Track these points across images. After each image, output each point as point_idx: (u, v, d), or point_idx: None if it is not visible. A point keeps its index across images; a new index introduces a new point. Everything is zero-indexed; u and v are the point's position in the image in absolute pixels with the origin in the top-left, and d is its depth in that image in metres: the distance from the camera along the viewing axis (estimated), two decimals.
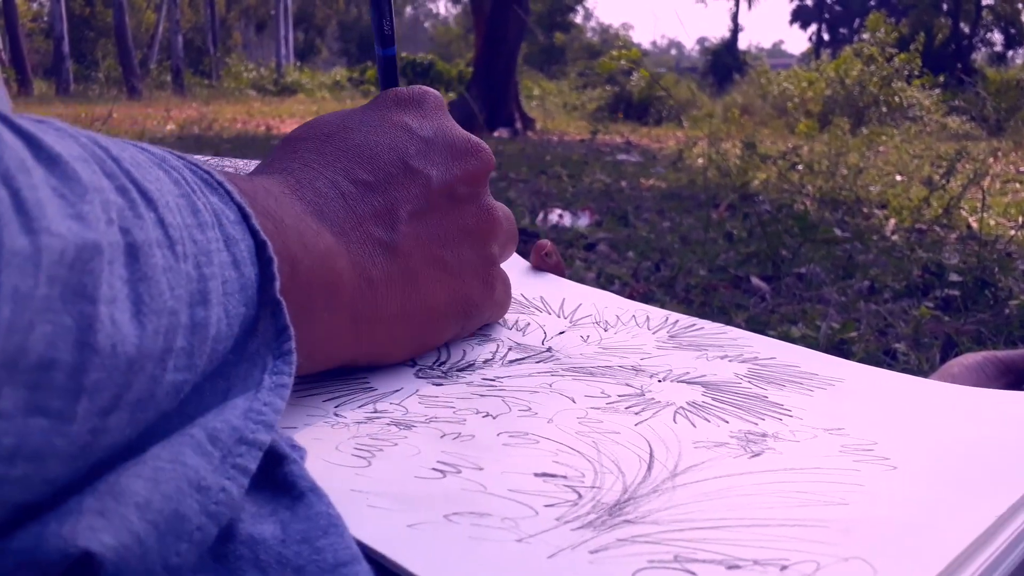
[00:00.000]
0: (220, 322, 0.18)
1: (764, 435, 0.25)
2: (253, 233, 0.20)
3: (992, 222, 2.77)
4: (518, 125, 6.70)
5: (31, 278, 0.13)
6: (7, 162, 0.13)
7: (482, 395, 0.28)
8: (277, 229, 0.22)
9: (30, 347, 0.13)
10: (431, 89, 0.31)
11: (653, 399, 0.28)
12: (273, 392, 0.19)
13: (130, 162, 0.17)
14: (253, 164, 0.37)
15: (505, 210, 0.32)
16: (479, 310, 0.31)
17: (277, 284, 0.20)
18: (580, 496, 0.21)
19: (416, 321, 0.28)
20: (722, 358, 0.32)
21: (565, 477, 0.22)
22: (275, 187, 0.25)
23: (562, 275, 0.40)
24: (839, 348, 1.44)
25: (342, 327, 0.25)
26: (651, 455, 0.24)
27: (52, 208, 0.14)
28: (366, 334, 0.27)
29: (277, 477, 0.19)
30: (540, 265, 0.40)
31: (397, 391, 0.28)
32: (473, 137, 0.30)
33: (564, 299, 0.38)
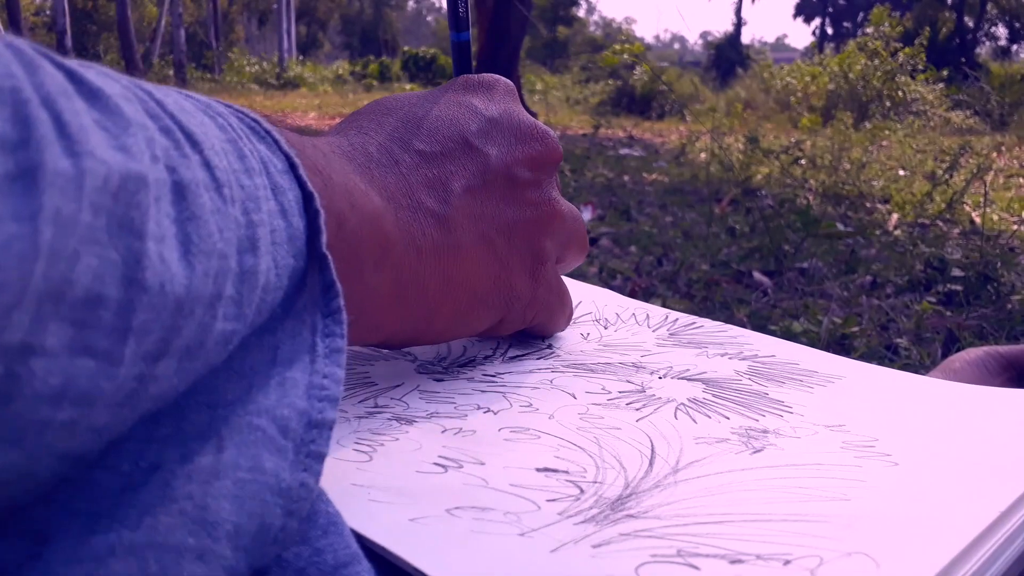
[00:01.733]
0: (269, 271, 0.17)
1: (765, 431, 0.25)
2: (300, 184, 0.19)
3: (995, 217, 2.76)
4: None
5: (74, 202, 0.12)
6: (48, 87, 0.13)
7: (483, 391, 0.28)
8: (325, 185, 0.21)
9: (76, 279, 0.12)
10: (503, 77, 0.31)
11: (654, 395, 0.28)
12: (330, 360, 0.18)
13: (174, 105, 0.16)
14: None
15: (572, 210, 0.31)
16: (520, 304, 0.29)
17: (324, 238, 0.19)
18: (582, 491, 0.21)
19: (458, 298, 0.27)
20: (722, 355, 0.32)
21: (567, 472, 0.22)
22: (324, 145, 0.24)
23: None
24: (841, 343, 1.44)
25: (387, 292, 0.24)
26: (652, 451, 0.24)
27: (96, 136, 0.13)
28: (409, 303, 0.25)
29: None
30: None
31: (398, 386, 0.28)
32: (541, 124, 0.30)
33: None
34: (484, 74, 0.30)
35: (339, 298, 0.19)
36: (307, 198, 0.19)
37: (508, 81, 0.31)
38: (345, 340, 0.19)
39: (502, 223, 0.28)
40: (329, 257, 0.19)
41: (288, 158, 0.19)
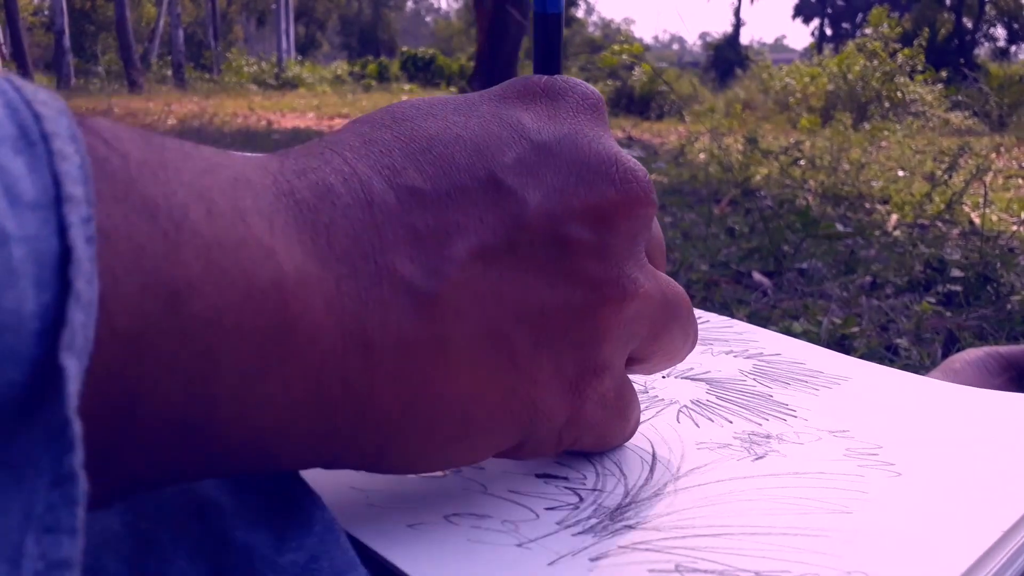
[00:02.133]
0: None
1: (768, 436, 0.25)
2: (62, 226, 0.11)
3: (994, 217, 2.76)
4: None
5: None
6: None
7: None
8: (172, 225, 0.13)
9: None
10: (584, 84, 0.21)
11: (657, 396, 0.28)
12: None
13: None
14: None
15: (667, 290, 0.21)
16: (549, 427, 0.20)
17: (75, 332, 0.11)
18: (581, 499, 0.21)
19: (434, 422, 0.18)
20: (727, 353, 0.32)
21: (566, 479, 0.22)
22: (247, 167, 0.16)
23: None
24: (841, 343, 1.43)
25: (290, 408, 0.15)
26: (653, 456, 0.23)
27: None
28: (341, 426, 0.17)
29: (271, 482, 0.18)
30: None
31: None
32: (626, 158, 0.20)
33: None
34: (559, 76, 0.21)
35: (74, 452, 0.11)
36: (64, 255, 0.11)
37: (589, 90, 0.21)
38: (79, 540, 0.11)
39: (529, 310, 0.18)
40: (67, 370, 0.11)
41: (56, 177, 0.11)
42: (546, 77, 0.21)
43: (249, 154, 0.17)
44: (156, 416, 0.13)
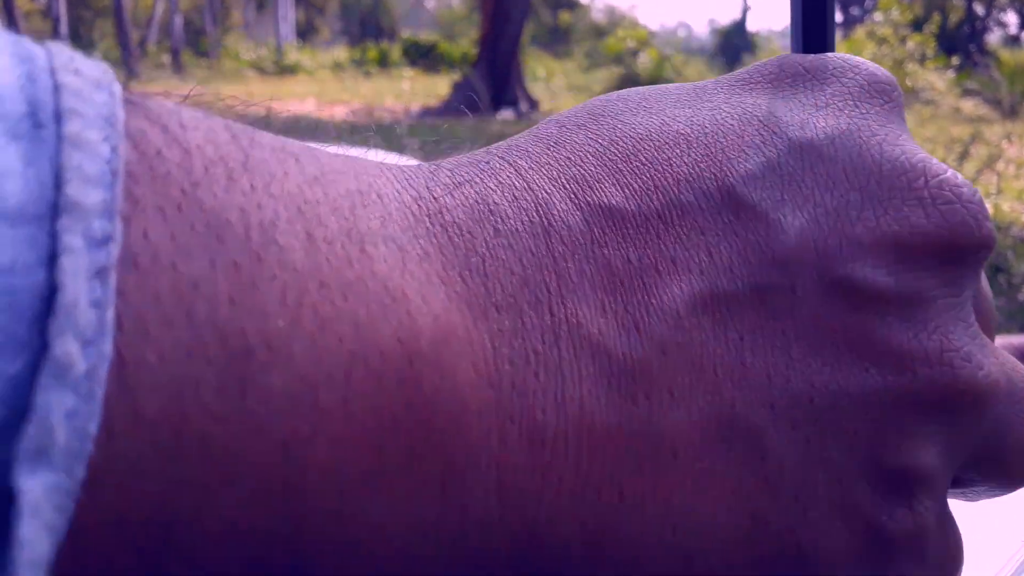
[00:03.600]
0: None
1: None
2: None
3: (1006, 207, 2.69)
4: (523, 106, 6.58)
5: None
6: None
7: None
8: (248, 254, 0.09)
9: None
10: (868, 63, 0.15)
11: None
12: None
13: None
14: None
15: (1022, 379, 0.14)
16: (819, 570, 0.13)
17: (45, 430, 0.08)
18: None
19: (643, 552, 0.12)
20: None
21: None
22: (381, 177, 0.12)
23: None
24: None
25: (429, 543, 0.11)
26: None
27: None
28: (504, 551, 0.12)
29: None
30: None
31: None
32: (937, 165, 0.13)
33: None
34: (831, 54, 0.15)
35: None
36: (49, 299, 0.08)
37: (879, 70, 0.15)
38: None
39: (790, 394, 0.12)
40: (24, 499, 0.07)
41: (58, 173, 0.08)
42: (811, 55, 0.15)
43: (389, 162, 0.13)
44: (206, 545, 0.09)
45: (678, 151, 0.13)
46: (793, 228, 0.13)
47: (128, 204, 0.09)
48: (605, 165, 0.13)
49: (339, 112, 6.11)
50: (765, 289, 0.12)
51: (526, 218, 0.12)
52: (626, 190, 0.13)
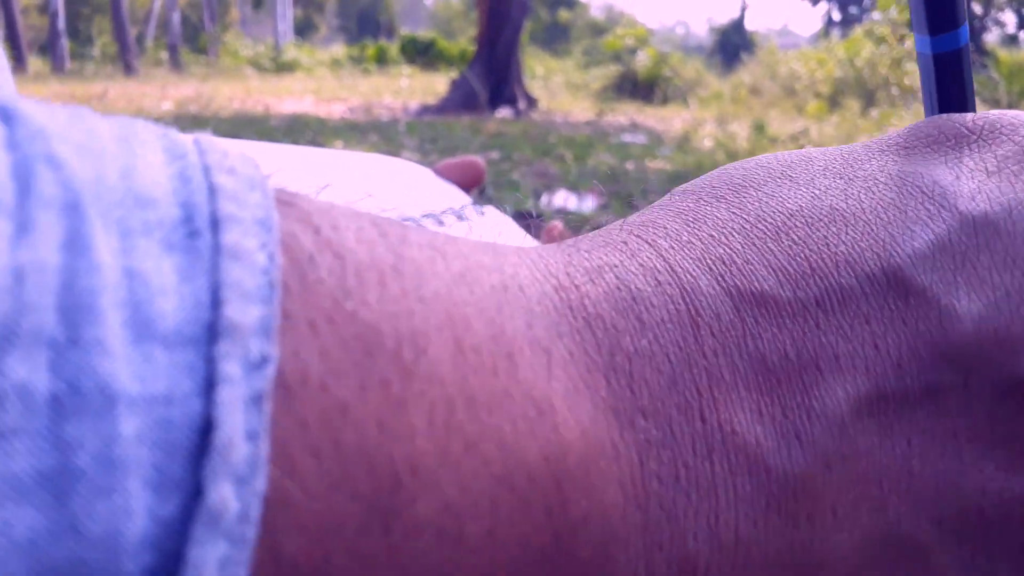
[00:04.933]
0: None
1: None
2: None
3: None
4: (521, 105, 6.58)
5: None
6: None
7: None
8: (398, 371, 0.08)
9: None
10: None
11: None
12: None
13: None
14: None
15: None
16: None
17: None
18: None
19: None
20: None
21: None
22: (520, 265, 0.11)
23: None
24: None
25: None
26: None
27: None
28: None
29: None
30: None
31: None
32: None
33: None
34: (994, 112, 0.14)
35: None
36: (207, 431, 0.07)
37: None
38: None
39: (959, 505, 0.11)
40: None
41: (216, 291, 0.08)
42: (974, 114, 0.13)
43: (522, 245, 0.11)
44: None
45: (835, 229, 0.11)
46: (969, 315, 0.11)
47: (280, 319, 0.08)
48: (753, 244, 0.11)
49: (337, 110, 6.11)
50: (936, 388, 0.11)
51: (672, 307, 0.11)
52: (779, 274, 0.11)
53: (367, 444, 0.08)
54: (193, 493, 0.07)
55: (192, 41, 15.15)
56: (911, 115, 5.65)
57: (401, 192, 0.39)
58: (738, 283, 0.11)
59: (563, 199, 2.63)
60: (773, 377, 0.11)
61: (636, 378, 0.10)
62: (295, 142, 3.78)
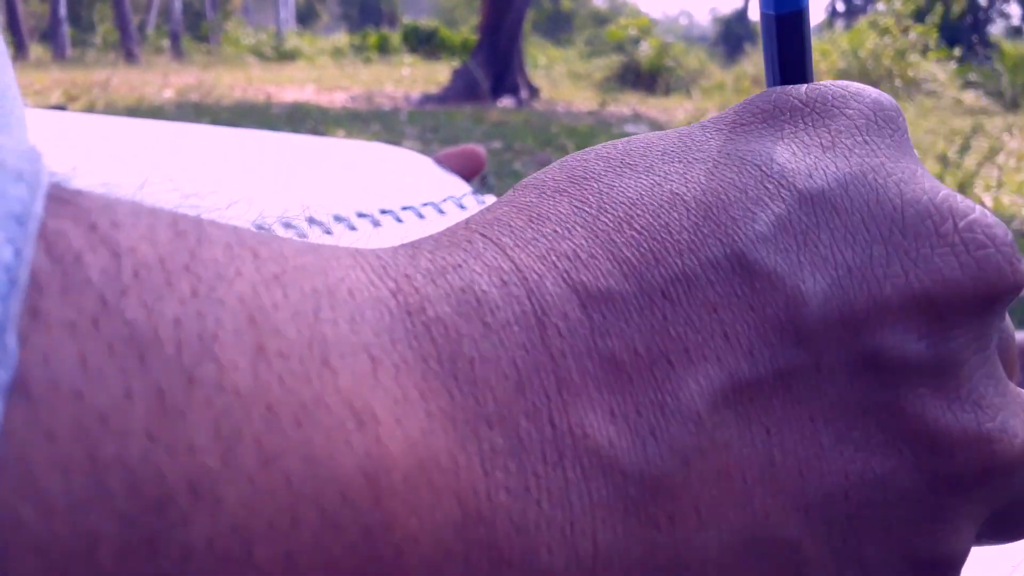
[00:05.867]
0: None
1: None
2: None
3: (1006, 200, 2.69)
4: (523, 94, 6.56)
5: None
6: None
7: None
8: (177, 376, 0.08)
9: None
10: (869, 89, 0.13)
11: None
12: None
13: None
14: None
15: None
16: None
17: None
18: None
19: None
20: None
21: None
22: (353, 267, 0.10)
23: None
24: None
25: None
26: None
27: None
28: None
29: None
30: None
31: None
32: (963, 202, 0.12)
33: None
34: (827, 83, 0.13)
35: None
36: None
37: (883, 97, 0.13)
38: None
39: (823, 492, 0.11)
40: None
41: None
42: (806, 86, 0.13)
43: (362, 248, 0.11)
44: None
45: (676, 215, 0.11)
46: (815, 296, 0.11)
47: (28, 320, 0.07)
48: (597, 238, 0.11)
49: (339, 98, 6.09)
50: (789, 372, 0.11)
51: (518, 308, 0.10)
52: (624, 266, 0.11)
53: (130, 458, 0.07)
54: None
55: (194, 29, 15.08)
56: (915, 106, 5.63)
57: (402, 181, 0.40)
58: (583, 279, 0.11)
59: None
60: (624, 375, 0.10)
61: (480, 384, 0.10)
62: (296, 131, 3.78)
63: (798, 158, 0.12)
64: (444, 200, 0.38)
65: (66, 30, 11.18)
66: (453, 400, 0.09)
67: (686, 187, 0.12)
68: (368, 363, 0.09)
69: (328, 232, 0.33)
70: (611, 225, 0.11)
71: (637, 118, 5.39)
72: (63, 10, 10.93)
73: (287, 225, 0.32)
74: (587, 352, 0.10)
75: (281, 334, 0.08)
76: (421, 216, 0.36)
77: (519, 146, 3.66)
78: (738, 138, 0.12)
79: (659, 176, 0.12)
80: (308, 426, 0.08)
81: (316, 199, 0.35)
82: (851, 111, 0.13)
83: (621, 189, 0.12)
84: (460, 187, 0.41)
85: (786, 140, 0.12)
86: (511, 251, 0.11)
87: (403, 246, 0.11)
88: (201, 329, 0.08)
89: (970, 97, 7.18)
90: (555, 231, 0.11)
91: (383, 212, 0.36)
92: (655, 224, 0.11)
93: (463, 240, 0.11)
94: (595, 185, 0.12)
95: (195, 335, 0.08)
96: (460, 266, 0.10)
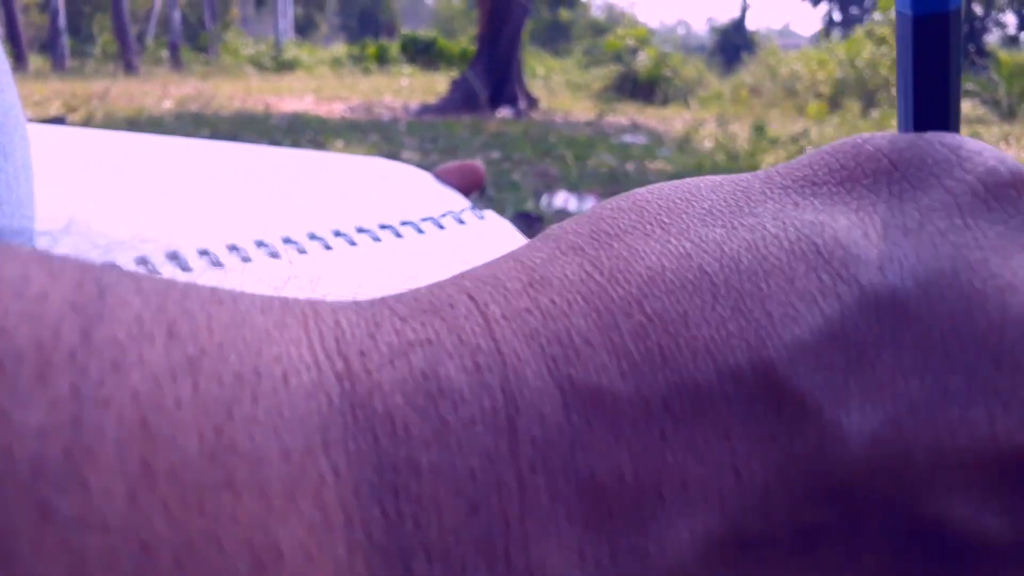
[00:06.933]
0: None
1: None
2: None
3: None
4: (522, 104, 6.58)
5: None
6: None
7: None
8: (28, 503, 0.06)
9: None
10: (987, 150, 0.10)
11: None
12: None
13: None
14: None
15: None
16: None
17: None
18: None
19: None
20: None
21: None
22: (294, 342, 0.08)
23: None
24: None
25: None
26: None
27: None
28: None
29: None
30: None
31: None
32: None
33: None
34: (925, 139, 0.10)
35: None
36: None
37: (995, 161, 0.10)
38: None
39: None
40: None
41: None
42: (904, 138, 0.10)
43: (323, 308, 0.09)
44: None
45: (698, 301, 0.09)
46: (860, 435, 0.08)
47: None
48: (599, 317, 0.09)
49: (337, 109, 6.11)
50: (815, 532, 0.08)
51: (487, 403, 0.08)
52: (624, 361, 0.08)
53: None
54: None
55: (193, 39, 15.15)
56: None
57: (401, 196, 0.39)
58: (572, 373, 0.08)
59: (563, 200, 2.63)
60: (603, 506, 0.08)
61: (424, 502, 0.08)
62: (295, 141, 3.77)
63: (870, 242, 0.09)
64: (444, 215, 0.38)
65: (65, 41, 11.22)
66: (388, 523, 0.08)
67: (719, 264, 0.09)
68: (284, 481, 0.07)
69: (328, 248, 0.33)
70: (618, 304, 0.09)
71: (635, 128, 5.41)
72: (62, 21, 10.97)
73: (287, 241, 0.32)
74: (563, 470, 0.08)
75: (177, 446, 0.07)
76: (420, 231, 0.36)
77: (518, 156, 3.67)
78: (803, 201, 0.10)
79: (691, 243, 0.09)
80: (190, 570, 0.07)
81: (316, 214, 0.34)
82: (952, 182, 0.09)
83: (643, 256, 0.09)
84: (460, 202, 0.40)
85: (860, 214, 0.09)
86: (496, 324, 0.09)
87: (374, 304, 0.09)
88: (71, 443, 0.06)
89: (966, 106, 7.21)
90: (553, 302, 0.09)
91: (383, 227, 0.35)
92: (671, 310, 0.09)
93: (445, 304, 0.09)
94: (615, 246, 0.09)
95: (61, 452, 0.06)
96: (428, 343, 0.08)
